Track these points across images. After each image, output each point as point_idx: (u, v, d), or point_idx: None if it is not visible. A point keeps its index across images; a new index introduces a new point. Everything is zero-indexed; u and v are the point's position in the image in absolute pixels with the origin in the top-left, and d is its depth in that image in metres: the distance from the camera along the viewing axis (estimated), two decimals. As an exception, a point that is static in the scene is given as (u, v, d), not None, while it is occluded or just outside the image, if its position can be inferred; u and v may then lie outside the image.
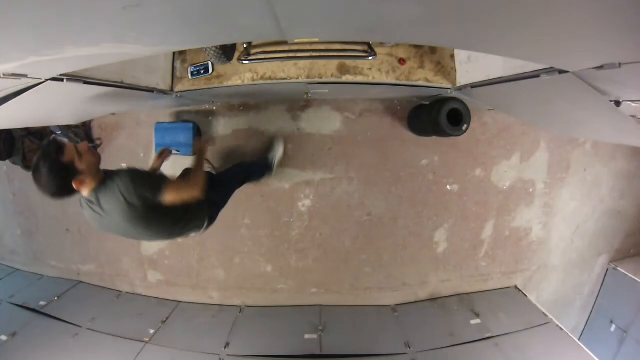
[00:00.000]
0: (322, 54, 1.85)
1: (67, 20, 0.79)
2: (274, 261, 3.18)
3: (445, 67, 2.09)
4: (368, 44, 1.80)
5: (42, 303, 3.05)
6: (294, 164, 2.98)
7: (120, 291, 3.39)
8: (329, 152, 2.95)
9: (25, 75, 1.14)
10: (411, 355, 2.55)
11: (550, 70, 1.23)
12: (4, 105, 1.27)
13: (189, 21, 0.91)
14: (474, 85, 1.94)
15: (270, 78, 2.05)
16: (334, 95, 2.72)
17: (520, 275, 3.38)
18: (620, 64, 0.91)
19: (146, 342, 2.69)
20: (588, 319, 3.86)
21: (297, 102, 2.91)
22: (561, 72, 1.16)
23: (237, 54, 1.94)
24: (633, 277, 3.38)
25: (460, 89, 2.09)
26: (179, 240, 3.25)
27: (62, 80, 1.31)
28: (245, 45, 1.82)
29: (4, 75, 1.07)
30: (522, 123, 2.96)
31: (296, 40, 1.51)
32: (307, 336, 2.74)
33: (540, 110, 1.85)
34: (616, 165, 3.32)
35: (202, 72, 2.08)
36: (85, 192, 1.48)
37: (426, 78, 2.09)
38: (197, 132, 2.97)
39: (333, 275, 3.19)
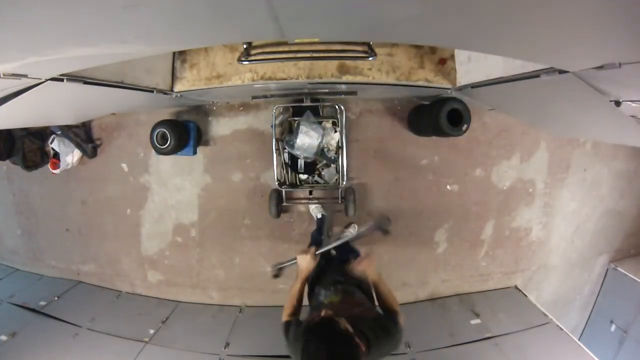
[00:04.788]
0: (322, 54, 1.84)
1: (67, 20, 0.79)
2: (274, 261, 3.17)
3: (445, 67, 2.09)
4: (368, 44, 1.79)
5: (42, 303, 3.05)
6: (294, 164, 2.97)
7: (120, 291, 3.39)
8: (329, 152, 2.95)
9: (25, 75, 1.14)
10: (411, 355, 2.55)
11: (550, 70, 1.23)
12: (4, 105, 1.27)
13: (189, 21, 0.91)
14: (474, 85, 1.93)
15: (270, 78, 2.05)
16: (335, 95, 2.72)
17: (520, 275, 3.38)
18: (620, 64, 0.91)
19: (146, 342, 2.69)
20: (588, 319, 3.86)
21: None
22: (561, 72, 1.16)
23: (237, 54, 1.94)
24: (633, 277, 3.38)
25: (460, 89, 2.09)
26: (179, 239, 3.26)
27: (62, 80, 1.31)
28: (245, 46, 1.82)
29: (4, 75, 1.07)
30: (522, 123, 2.95)
31: (296, 41, 1.51)
32: (307, 336, 2.73)
33: (540, 110, 1.85)
34: (616, 165, 3.32)
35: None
36: None
37: (426, 78, 2.09)
38: (198, 132, 2.97)
39: (333, 275, 3.19)
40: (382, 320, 1.29)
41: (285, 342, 1.32)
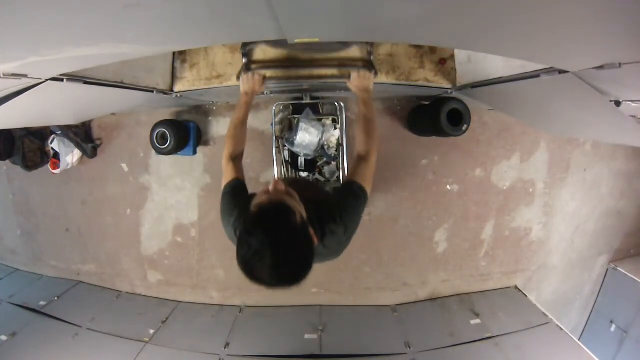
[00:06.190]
0: (321, 71, 1.84)
1: (67, 20, 0.79)
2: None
3: (445, 67, 2.09)
4: (369, 61, 1.78)
5: (42, 303, 3.05)
6: (294, 164, 2.97)
7: (120, 291, 3.39)
8: (329, 152, 2.95)
9: (25, 75, 1.14)
10: (411, 355, 2.55)
11: (550, 70, 1.23)
12: (4, 105, 1.27)
13: (189, 21, 0.91)
14: (474, 85, 1.94)
15: (270, 78, 2.05)
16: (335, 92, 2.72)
17: (520, 275, 3.38)
18: (620, 64, 0.91)
19: (146, 342, 2.69)
20: (588, 319, 3.86)
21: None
22: (561, 72, 1.16)
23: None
24: (633, 277, 3.38)
25: (460, 89, 2.09)
26: (179, 239, 3.26)
27: (62, 80, 1.31)
28: (245, 61, 1.82)
29: (4, 75, 1.07)
30: (522, 123, 2.96)
31: (296, 41, 1.51)
32: (307, 336, 2.74)
33: (540, 110, 1.85)
34: (616, 165, 3.32)
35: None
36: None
37: (426, 78, 2.09)
38: (198, 132, 2.97)
39: (333, 275, 3.19)
40: (340, 197, 1.08)
41: (221, 203, 1.13)
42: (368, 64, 1.76)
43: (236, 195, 1.13)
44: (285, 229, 0.80)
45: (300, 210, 0.86)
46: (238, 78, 1.53)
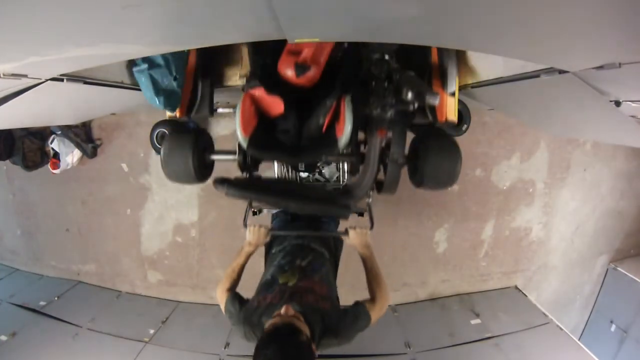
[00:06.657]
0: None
1: (67, 21, 0.79)
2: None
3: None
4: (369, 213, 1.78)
5: (42, 303, 3.05)
6: (294, 164, 2.97)
7: (120, 291, 3.39)
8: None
9: (25, 75, 1.14)
10: (411, 355, 2.55)
11: (550, 70, 1.23)
12: (4, 105, 1.27)
13: (189, 21, 0.91)
14: (474, 85, 1.94)
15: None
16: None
17: (520, 275, 3.38)
18: (620, 64, 0.91)
19: (146, 342, 2.69)
20: (588, 319, 3.86)
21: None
22: (561, 72, 1.16)
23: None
24: (633, 277, 3.38)
25: (460, 89, 2.09)
26: (179, 239, 3.25)
27: (62, 80, 1.31)
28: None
29: (4, 75, 1.07)
30: (522, 123, 2.95)
31: (296, 40, 1.51)
32: (307, 336, 2.74)
33: (540, 110, 1.85)
34: (616, 165, 3.32)
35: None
36: None
37: (426, 78, 2.08)
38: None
39: (333, 275, 3.19)
40: (342, 320, 1.20)
41: (229, 319, 1.31)
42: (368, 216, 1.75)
43: (238, 313, 1.29)
44: (294, 346, 1.00)
45: (305, 330, 1.06)
46: (245, 225, 1.69)
